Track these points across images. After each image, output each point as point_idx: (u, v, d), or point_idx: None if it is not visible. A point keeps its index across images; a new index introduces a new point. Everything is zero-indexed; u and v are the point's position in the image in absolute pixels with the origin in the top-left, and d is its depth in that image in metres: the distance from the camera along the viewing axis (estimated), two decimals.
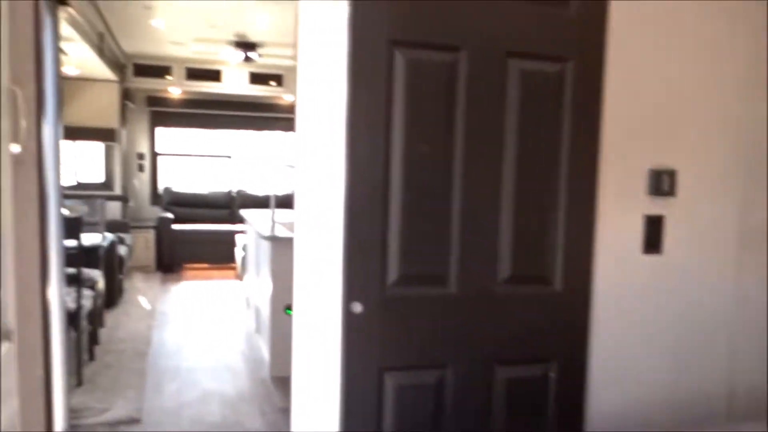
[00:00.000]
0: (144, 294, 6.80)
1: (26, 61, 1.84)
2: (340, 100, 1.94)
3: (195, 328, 5.67)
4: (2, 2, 1.64)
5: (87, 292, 4.40)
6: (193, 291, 7.22)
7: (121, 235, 6.88)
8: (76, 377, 4.12)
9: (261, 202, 8.82)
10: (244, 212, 5.95)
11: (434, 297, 2.01)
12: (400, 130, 1.91)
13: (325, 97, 1.95)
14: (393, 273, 1.94)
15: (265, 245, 4.66)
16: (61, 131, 3.34)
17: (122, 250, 6.46)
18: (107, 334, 5.25)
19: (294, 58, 2.03)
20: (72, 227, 3.96)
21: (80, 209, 6.07)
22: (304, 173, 2.09)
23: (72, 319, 4.07)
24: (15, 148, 1.72)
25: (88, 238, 5.23)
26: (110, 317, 5.75)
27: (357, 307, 1.86)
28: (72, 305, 4.08)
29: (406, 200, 1.93)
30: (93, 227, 5.57)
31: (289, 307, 4.56)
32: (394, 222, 1.93)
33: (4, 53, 1.67)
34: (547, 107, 2.05)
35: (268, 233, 4.53)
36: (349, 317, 1.89)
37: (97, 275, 4.94)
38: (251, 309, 5.79)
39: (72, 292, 4.14)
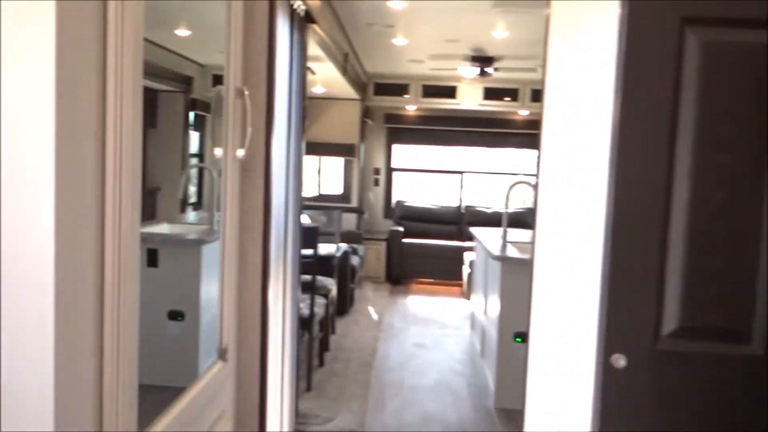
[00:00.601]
0: (373, 304, 6.97)
1: (257, 66, 1.80)
2: (603, 105, 1.58)
3: (419, 344, 5.59)
4: (235, 3, 1.60)
5: (320, 300, 4.54)
6: (418, 305, 7.22)
7: (355, 245, 7.15)
8: (306, 381, 4.25)
9: (489, 220, 8.58)
10: (473, 230, 5.73)
11: (729, 357, 1.51)
12: (689, 135, 1.47)
13: (580, 105, 1.65)
14: (671, 320, 1.50)
15: (495, 266, 4.36)
16: (303, 145, 3.45)
17: (355, 260, 6.69)
18: (337, 341, 5.42)
19: (536, 68, 1.73)
20: (309, 236, 4.10)
21: (320, 219, 6.43)
22: (548, 192, 1.80)
23: (305, 324, 4.21)
24: (240, 153, 1.66)
25: (325, 248, 5.47)
26: (341, 325, 5.95)
27: (620, 361, 1.45)
28: (306, 311, 4.22)
29: (692, 226, 1.48)
30: (329, 237, 5.83)
31: (519, 336, 4.21)
32: (674, 254, 1.48)
33: (234, 56, 1.63)
34: None
35: (498, 253, 4.23)
36: (608, 372, 1.50)
37: (330, 283, 5.12)
38: (476, 330, 5.53)
39: (306, 299, 4.29)
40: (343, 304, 6.27)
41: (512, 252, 4.31)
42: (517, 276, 4.10)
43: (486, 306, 4.91)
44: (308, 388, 4.22)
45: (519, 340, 4.10)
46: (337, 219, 5.70)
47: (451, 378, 4.74)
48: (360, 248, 7.45)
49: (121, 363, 1.10)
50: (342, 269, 6.04)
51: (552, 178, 1.80)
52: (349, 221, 8.00)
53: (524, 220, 8.64)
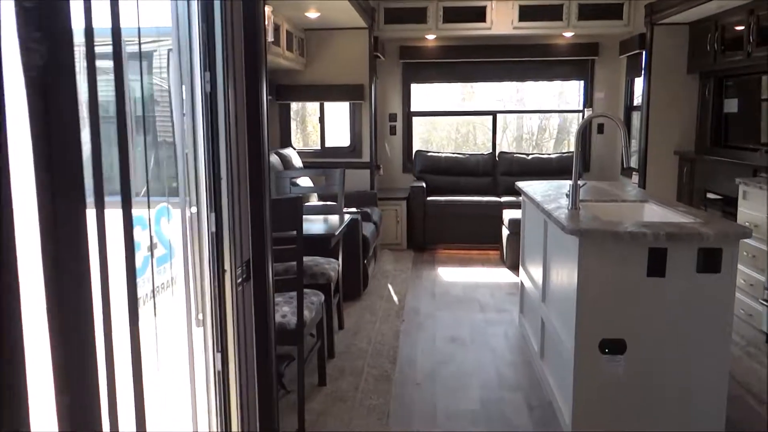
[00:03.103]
0: (392, 281, 5.64)
1: None
2: None
3: (454, 338, 4.26)
4: None
5: (313, 298, 3.21)
6: (449, 278, 5.86)
7: (368, 209, 5.78)
8: (297, 419, 2.95)
9: (530, 169, 7.13)
10: (521, 184, 4.30)
11: None
12: None
13: None
14: None
15: (567, 242, 2.94)
16: (264, 78, 2.08)
17: (368, 228, 5.33)
18: (345, 341, 4.10)
19: None
20: (286, 213, 2.73)
21: (320, 181, 5.06)
22: None
23: (291, 338, 2.89)
24: None
25: (322, 222, 4.11)
26: (351, 314, 4.64)
27: None
28: (291, 320, 2.89)
29: None
30: (330, 206, 4.46)
31: (609, 344, 2.81)
32: None
33: None
34: None
35: (571, 224, 2.81)
36: None
37: (331, 267, 3.78)
38: (529, 317, 4.18)
39: (292, 301, 2.96)
40: (355, 287, 4.95)
41: (592, 222, 2.89)
42: (604, 258, 2.70)
43: (546, 289, 3.54)
44: (300, 428, 2.93)
45: (608, 352, 2.72)
46: (339, 179, 4.31)
47: (502, 395, 3.41)
48: (375, 211, 6.07)
49: None
50: (349, 244, 4.68)
51: None
52: (361, 179, 6.60)
53: (568, 166, 7.16)
